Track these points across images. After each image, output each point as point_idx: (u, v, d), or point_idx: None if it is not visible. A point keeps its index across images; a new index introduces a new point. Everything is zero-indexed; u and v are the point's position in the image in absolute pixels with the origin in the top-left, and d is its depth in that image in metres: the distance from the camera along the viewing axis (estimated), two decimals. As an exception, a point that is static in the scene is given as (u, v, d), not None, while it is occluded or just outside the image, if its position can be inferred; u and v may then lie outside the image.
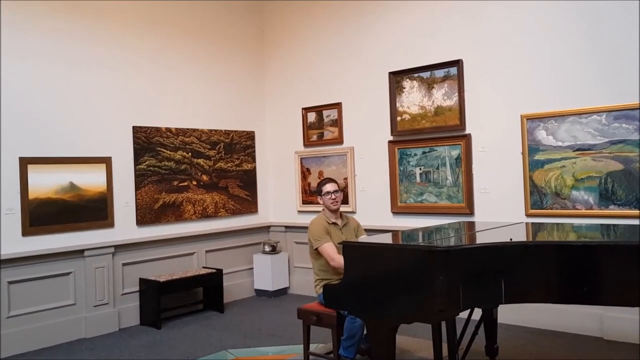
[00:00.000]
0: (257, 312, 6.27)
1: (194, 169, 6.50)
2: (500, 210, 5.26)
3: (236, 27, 7.09)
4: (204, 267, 6.48)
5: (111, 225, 5.70)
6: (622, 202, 4.70)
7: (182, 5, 6.47)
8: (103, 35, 5.73)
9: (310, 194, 6.85)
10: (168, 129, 6.25)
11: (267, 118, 7.40)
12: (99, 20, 5.70)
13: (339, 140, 6.61)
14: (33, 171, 5.16)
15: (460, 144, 5.59)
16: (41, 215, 5.20)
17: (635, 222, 4.41)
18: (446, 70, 5.66)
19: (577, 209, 4.91)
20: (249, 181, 7.12)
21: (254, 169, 7.21)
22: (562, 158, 4.97)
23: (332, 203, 4.39)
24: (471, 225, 4.38)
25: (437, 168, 5.76)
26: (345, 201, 6.32)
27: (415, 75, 5.89)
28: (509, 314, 4.97)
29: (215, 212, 6.69)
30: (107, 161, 5.69)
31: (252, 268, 7.07)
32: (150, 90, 6.12)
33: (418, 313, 3.12)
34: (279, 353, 4.84)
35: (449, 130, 5.65)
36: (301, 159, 7.02)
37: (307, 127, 6.94)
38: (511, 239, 3.23)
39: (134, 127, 5.93)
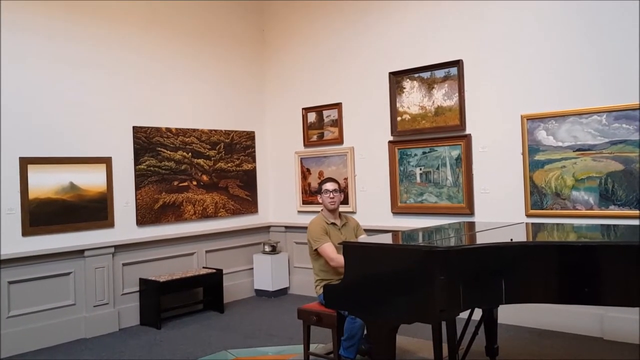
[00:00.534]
0: (257, 312, 6.27)
1: (194, 169, 6.50)
2: (500, 211, 5.26)
3: (236, 27, 7.09)
4: (204, 267, 6.48)
5: (111, 225, 5.70)
6: (622, 203, 4.70)
7: (182, 5, 6.47)
8: (103, 36, 5.73)
9: (310, 194, 6.85)
10: (168, 129, 6.25)
11: (267, 118, 7.40)
12: (99, 21, 5.70)
13: (339, 140, 6.61)
14: (33, 171, 5.16)
15: (460, 144, 5.59)
16: (41, 215, 5.19)
17: (635, 222, 4.41)
18: (446, 70, 5.66)
19: (577, 209, 4.91)
20: (249, 181, 7.12)
21: (254, 169, 7.20)
22: (563, 158, 4.97)
23: (330, 202, 4.39)
24: (471, 225, 4.38)
25: (438, 168, 5.76)
26: (345, 201, 6.32)
27: (416, 75, 5.89)
28: (509, 314, 4.97)
29: (215, 212, 6.69)
30: (107, 161, 5.69)
31: (252, 268, 7.07)
32: (151, 91, 6.12)
33: (418, 313, 3.12)
34: (279, 353, 4.83)
35: (449, 130, 5.65)
36: (301, 159, 7.02)
37: (307, 127, 6.94)
38: (511, 239, 3.23)
39: (134, 127, 5.93)
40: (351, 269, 3.38)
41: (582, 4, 4.86)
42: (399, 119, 6.02)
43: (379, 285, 3.22)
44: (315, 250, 4.27)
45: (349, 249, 3.44)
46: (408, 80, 5.95)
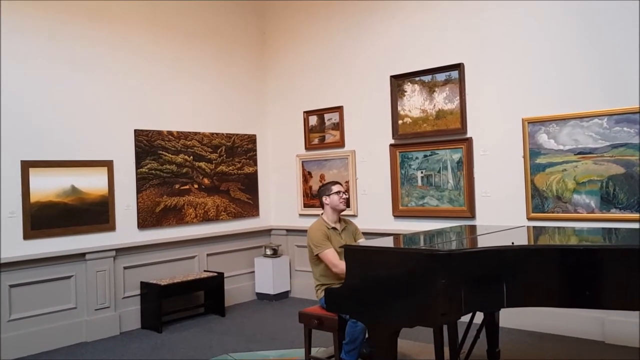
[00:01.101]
0: (259, 315, 6.27)
1: (196, 172, 6.50)
2: (501, 214, 5.26)
3: (237, 30, 7.10)
4: (205, 271, 6.48)
5: (112, 228, 5.71)
6: (623, 206, 4.69)
7: (183, 8, 6.48)
8: (105, 39, 5.74)
9: (311, 197, 6.85)
10: (170, 132, 6.25)
11: (269, 121, 7.40)
12: (101, 23, 5.72)
13: (340, 143, 6.61)
14: (35, 174, 5.17)
15: (461, 148, 5.59)
16: (42, 219, 5.20)
17: (636, 225, 4.41)
18: (447, 73, 5.66)
19: (578, 213, 4.91)
20: (250, 184, 7.12)
21: (256, 172, 7.21)
22: (564, 162, 4.97)
23: (341, 202, 4.43)
24: (472, 228, 4.39)
25: (439, 171, 5.76)
26: (347, 204, 6.32)
27: (417, 78, 5.89)
28: (510, 317, 4.96)
29: (217, 216, 6.69)
30: (108, 164, 5.69)
31: (253, 271, 7.06)
32: (152, 94, 6.13)
33: (420, 317, 3.11)
34: (280, 357, 4.83)
35: (451, 133, 5.65)
36: (302, 162, 7.02)
37: (308, 131, 6.94)
38: (513, 243, 3.22)
39: (135, 131, 5.94)
40: (352, 273, 3.38)
41: (583, 7, 4.87)
42: (400, 122, 6.02)
43: (380, 288, 3.22)
44: (316, 255, 4.26)
45: (350, 252, 3.44)
46: (409, 83, 5.96)
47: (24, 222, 5.09)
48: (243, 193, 7.03)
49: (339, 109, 6.62)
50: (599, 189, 4.81)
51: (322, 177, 6.77)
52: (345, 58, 6.57)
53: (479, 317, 3.99)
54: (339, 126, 6.63)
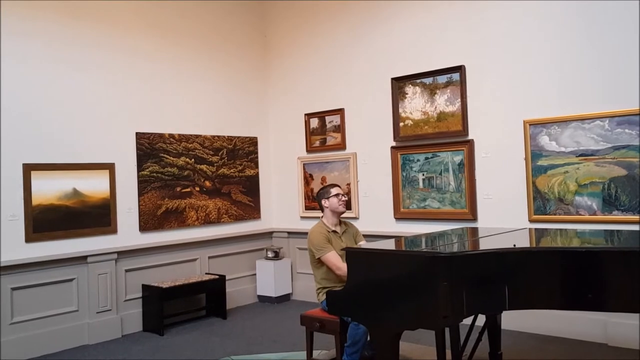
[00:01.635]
0: (260, 318, 6.27)
1: (197, 175, 6.50)
2: (503, 216, 5.25)
3: (239, 33, 7.11)
4: (206, 273, 6.48)
5: (114, 231, 5.71)
6: (625, 208, 4.69)
7: (185, 10, 6.49)
8: (106, 41, 5.75)
9: (313, 200, 6.84)
10: (171, 135, 6.26)
11: (270, 124, 7.41)
12: (102, 25, 5.73)
13: (341, 146, 6.61)
14: (36, 177, 5.17)
15: (463, 150, 5.59)
16: (44, 222, 5.20)
17: (638, 227, 4.40)
18: (449, 76, 5.66)
19: (580, 215, 4.90)
20: (251, 187, 7.12)
21: (257, 174, 7.21)
22: (565, 163, 4.96)
23: (340, 205, 4.42)
24: (474, 231, 4.38)
25: (440, 174, 5.76)
26: (347, 207, 6.31)
27: (418, 81, 5.89)
28: (512, 320, 4.95)
29: (218, 218, 6.69)
30: (110, 167, 5.70)
31: (254, 274, 7.06)
32: (154, 96, 6.14)
33: (422, 319, 3.11)
34: (282, 359, 4.82)
35: (452, 135, 5.65)
36: (304, 164, 7.03)
37: (309, 133, 6.94)
38: (515, 245, 3.22)
39: (137, 134, 5.94)
40: (354, 275, 3.38)
41: (584, 8, 4.87)
42: (401, 124, 6.02)
43: (382, 291, 3.21)
44: (318, 259, 4.26)
45: (351, 254, 3.44)
46: (410, 85, 5.96)
47: (26, 225, 5.10)
48: (244, 195, 7.03)
49: (340, 112, 6.62)
50: (600, 191, 4.80)
51: (323, 179, 6.77)
52: (346, 60, 6.57)
53: (481, 319, 3.99)
54: (340, 128, 6.63)
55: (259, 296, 7.04)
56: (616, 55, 4.72)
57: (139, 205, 5.92)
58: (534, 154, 5.12)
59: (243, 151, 7.05)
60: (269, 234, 7.32)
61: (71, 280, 5.41)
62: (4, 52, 5.04)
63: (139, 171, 5.94)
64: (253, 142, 7.18)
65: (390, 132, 6.09)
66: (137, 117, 5.97)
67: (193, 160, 6.46)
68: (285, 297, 7.02)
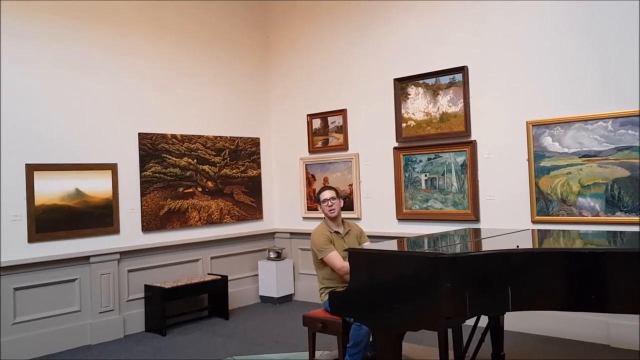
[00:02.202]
0: (262, 318, 6.27)
1: (199, 175, 6.51)
2: (506, 217, 5.25)
3: (241, 34, 7.11)
4: (209, 274, 6.48)
5: (116, 231, 5.71)
6: (628, 209, 4.68)
7: (187, 11, 6.49)
8: (109, 42, 5.75)
9: (315, 201, 6.84)
10: (173, 136, 6.26)
11: (272, 124, 7.41)
12: (105, 27, 5.73)
13: (344, 146, 6.61)
14: (39, 178, 5.18)
15: (465, 151, 5.58)
16: (47, 222, 5.21)
17: (642, 229, 4.39)
18: (451, 76, 5.66)
19: (583, 216, 4.89)
20: (254, 188, 7.13)
21: (259, 175, 7.21)
22: (568, 164, 4.96)
23: (329, 211, 4.39)
24: (477, 232, 4.38)
25: (443, 174, 5.76)
26: (350, 208, 6.33)
27: (421, 81, 5.89)
28: (515, 321, 4.94)
29: (221, 219, 6.69)
30: (112, 168, 5.70)
31: (257, 275, 7.06)
32: (156, 97, 6.14)
33: (424, 320, 3.11)
34: (284, 360, 4.83)
35: (455, 136, 5.65)
36: (306, 165, 7.03)
37: (312, 134, 6.95)
38: (518, 246, 3.22)
39: (139, 134, 5.95)
40: (357, 276, 3.38)
41: (587, 10, 4.86)
42: (404, 125, 6.02)
43: (384, 292, 3.21)
44: (320, 259, 4.26)
45: (354, 255, 3.44)
46: (413, 86, 5.95)
47: (29, 226, 5.11)
48: (247, 196, 7.03)
49: (342, 112, 6.62)
50: (603, 192, 4.79)
51: (325, 180, 6.77)
52: (348, 61, 6.57)
53: (484, 320, 3.99)
54: (342, 129, 6.63)
55: (261, 297, 7.04)
56: (619, 56, 4.71)
57: (142, 206, 5.93)
58: (537, 154, 5.12)
59: (245, 152, 7.05)
60: (271, 235, 7.32)
61: (74, 280, 5.42)
62: (6, 52, 5.05)
63: (141, 172, 5.95)
64: (255, 142, 7.19)
65: (393, 132, 6.09)
66: (139, 118, 5.97)
67: (195, 160, 6.47)
68: (288, 298, 7.02)
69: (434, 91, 5.79)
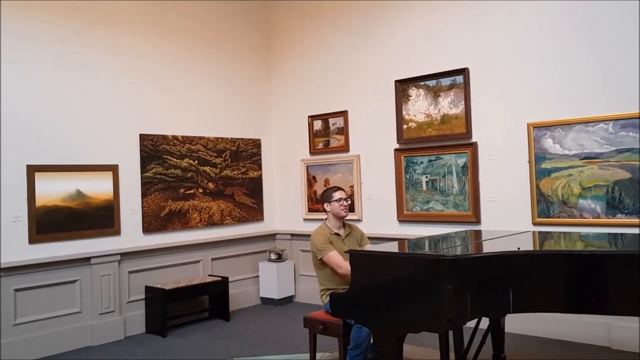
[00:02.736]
0: (263, 320, 6.26)
1: (200, 176, 6.51)
2: (506, 219, 5.24)
3: (242, 35, 7.12)
4: (209, 275, 6.48)
5: (117, 232, 5.71)
6: (629, 211, 4.68)
7: (188, 12, 6.50)
8: (109, 42, 5.76)
9: (316, 202, 6.84)
10: (175, 137, 6.27)
11: (273, 126, 7.41)
12: (105, 27, 5.74)
13: (345, 148, 6.61)
14: (40, 179, 5.18)
15: (466, 152, 5.58)
16: (48, 223, 5.21)
17: (643, 231, 4.39)
18: (452, 78, 5.66)
19: (584, 218, 4.89)
20: (255, 189, 7.13)
21: (260, 176, 7.21)
22: (569, 166, 4.95)
23: (342, 209, 4.40)
24: (478, 233, 4.38)
25: (444, 176, 5.76)
26: (351, 209, 6.31)
27: (422, 83, 5.89)
28: (516, 323, 4.94)
29: (221, 220, 6.69)
30: (113, 169, 5.71)
31: (257, 276, 7.06)
32: (157, 98, 6.14)
33: (425, 322, 3.10)
34: (285, 362, 4.83)
35: (455, 138, 5.65)
36: (307, 166, 7.03)
37: (313, 135, 6.95)
38: (519, 248, 3.22)
39: (140, 135, 5.95)
40: (358, 278, 3.38)
41: (588, 11, 4.86)
42: (405, 126, 6.02)
43: (385, 294, 3.21)
44: (320, 260, 4.26)
45: (355, 257, 3.44)
46: (414, 88, 5.95)
47: (30, 227, 5.11)
48: (247, 197, 7.03)
49: (343, 114, 6.62)
50: (604, 194, 4.79)
51: (326, 181, 6.77)
52: (349, 62, 6.57)
53: (485, 322, 3.98)
54: (343, 131, 6.63)
55: (262, 298, 7.03)
56: (621, 58, 4.71)
57: (143, 207, 5.93)
58: (538, 156, 5.12)
59: (246, 153, 7.05)
60: (272, 236, 7.32)
61: (74, 281, 5.42)
62: (6, 52, 5.05)
63: (142, 173, 5.95)
64: (256, 144, 7.19)
65: (394, 134, 6.09)
66: (140, 119, 5.97)
67: (196, 162, 6.47)
68: (288, 299, 7.02)
69: (435, 93, 5.79)
